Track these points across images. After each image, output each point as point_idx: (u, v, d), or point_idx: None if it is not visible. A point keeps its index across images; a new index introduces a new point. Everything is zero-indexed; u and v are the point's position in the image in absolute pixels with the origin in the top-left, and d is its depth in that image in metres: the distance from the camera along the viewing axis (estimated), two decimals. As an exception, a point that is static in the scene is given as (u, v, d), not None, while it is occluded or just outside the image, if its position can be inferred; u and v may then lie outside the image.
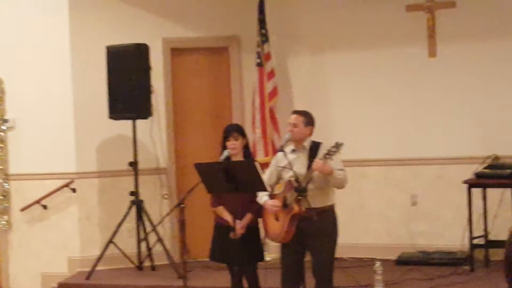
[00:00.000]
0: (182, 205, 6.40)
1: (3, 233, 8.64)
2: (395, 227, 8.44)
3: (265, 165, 6.85)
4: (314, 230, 6.10)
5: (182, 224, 6.43)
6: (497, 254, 7.78)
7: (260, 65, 8.48)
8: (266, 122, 8.45)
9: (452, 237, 8.11)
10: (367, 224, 8.53)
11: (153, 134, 8.26)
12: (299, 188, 6.08)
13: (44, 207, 8.44)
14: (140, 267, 8.21)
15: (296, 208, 6.08)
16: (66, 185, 8.39)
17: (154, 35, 8.54)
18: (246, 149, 6.68)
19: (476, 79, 8.10)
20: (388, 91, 8.42)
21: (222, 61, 8.92)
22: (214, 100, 8.93)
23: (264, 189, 6.19)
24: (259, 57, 8.49)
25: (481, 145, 7.97)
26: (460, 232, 7.77)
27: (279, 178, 6.45)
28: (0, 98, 8.60)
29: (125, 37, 8.22)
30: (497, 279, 7.22)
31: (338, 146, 6.01)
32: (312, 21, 8.71)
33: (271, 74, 8.51)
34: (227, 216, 6.56)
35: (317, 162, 6.05)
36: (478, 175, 7.65)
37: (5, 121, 8.60)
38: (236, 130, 6.64)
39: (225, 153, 6.53)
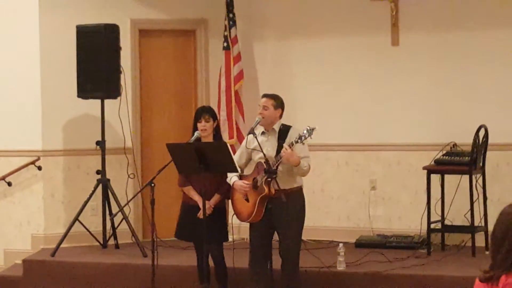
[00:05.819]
0: (152, 184, 6.53)
1: (-33, 209, 8.62)
2: (354, 211, 8.57)
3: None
4: (283, 211, 6.25)
5: (152, 203, 6.56)
6: (453, 239, 8.03)
7: (227, 48, 8.56)
8: (231, 105, 8.56)
9: (409, 221, 8.26)
10: (327, 207, 8.66)
11: (120, 114, 8.29)
12: (269, 170, 6.23)
13: (9, 184, 8.42)
14: (104, 245, 8.25)
15: (266, 190, 6.23)
16: (32, 163, 8.37)
17: (123, 16, 8.52)
18: (216, 131, 6.82)
19: (437, 68, 8.26)
20: (351, 77, 8.53)
21: (189, 43, 8.97)
22: (180, 82, 8.96)
23: (235, 170, 6.34)
24: (226, 40, 8.59)
25: (440, 133, 8.11)
26: (417, 216, 7.88)
27: (248, 159, 6.59)
28: (-34, 75, 8.57)
29: (94, 18, 8.20)
30: (452, 261, 7.42)
31: (310, 131, 6.15)
32: (279, 7, 8.79)
33: (238, 58, 8.60)
34: (196, 196, 6.70)
35: (286, 150, 6.19)
36: (437, 162, 7.82)
37: (-29, 97, 8.58)
38: (207, 112, 6.77)
39: (196, 134, 6.66)
